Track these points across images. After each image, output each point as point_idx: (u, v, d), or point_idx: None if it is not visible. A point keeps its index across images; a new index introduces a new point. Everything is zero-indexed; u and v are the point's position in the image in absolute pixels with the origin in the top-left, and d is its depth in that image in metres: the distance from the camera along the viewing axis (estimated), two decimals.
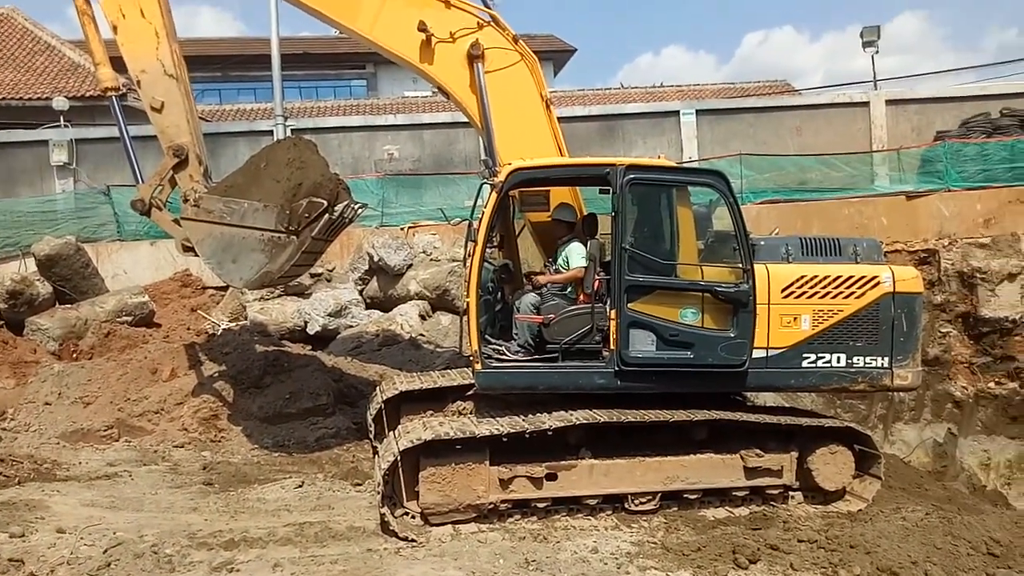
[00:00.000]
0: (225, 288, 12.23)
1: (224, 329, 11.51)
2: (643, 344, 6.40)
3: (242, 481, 7.21)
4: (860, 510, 6.33)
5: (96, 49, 7.95)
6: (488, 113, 7.68)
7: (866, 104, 16.75)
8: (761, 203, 14.54)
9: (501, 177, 6.59)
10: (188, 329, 11.64)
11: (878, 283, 6.65)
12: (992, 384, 12.32)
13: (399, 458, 5.72)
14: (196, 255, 7.47)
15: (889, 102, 16.76)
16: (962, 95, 16.98)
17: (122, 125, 7.99)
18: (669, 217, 6.77)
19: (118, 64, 7.78)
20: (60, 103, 16.52)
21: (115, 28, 7.51)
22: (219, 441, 8.50)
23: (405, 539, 5.57)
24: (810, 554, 5.13)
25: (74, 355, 10.73)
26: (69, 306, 11.60)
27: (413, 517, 5.89)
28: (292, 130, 15.66)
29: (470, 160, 15.67)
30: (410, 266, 12.62)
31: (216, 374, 9.39)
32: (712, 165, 14.99)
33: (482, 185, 7.33)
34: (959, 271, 12.70)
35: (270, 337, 11.32)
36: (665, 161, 7.26)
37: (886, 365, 6.61)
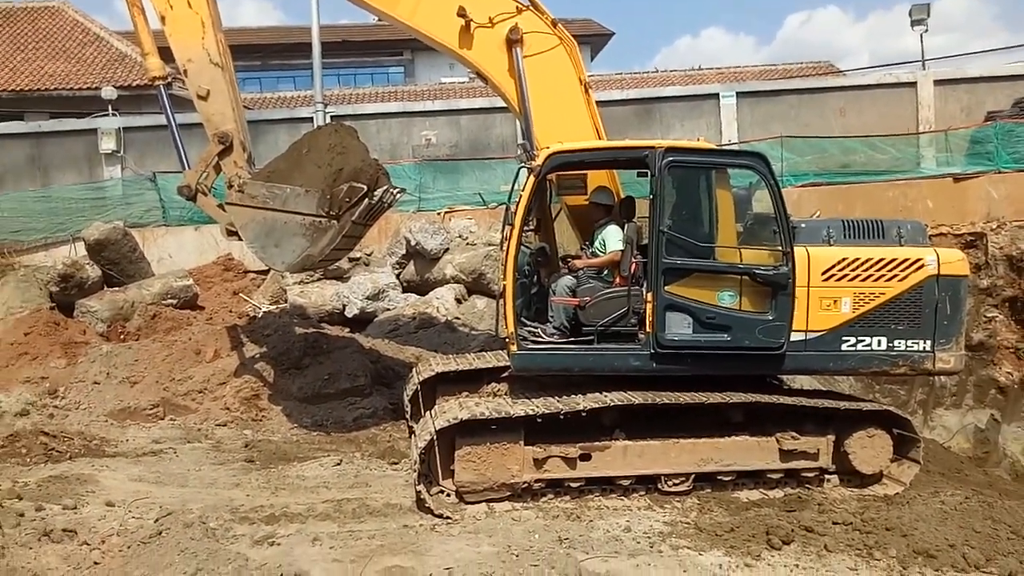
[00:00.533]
0: (266, 272, 12.49)
1: (265, 312, 11.76)
2: (679, 327, 6.40)
3: (282, 459, 7.41)
4: (897, 493, 6.25)
5: (145, 39, 8.16)
6: (526, 97, 7.69)
7: (913, 84, 16.26)
8: (802, 186, 14.28)
9: (539, 161, 6.62)
10: (230, 312, 11.92)
11: (922, 266, 6.53)
12: None
13: (435, 437, 5.82)
14: (240, 239, 7.65)
15: (938, 82, 16.25)
16: (1015, 74, 16.39)
17: (169, 113, 8.20)
18: (708, 200, 6.73)
19: (165, 54, 7.98)
20: (109, 92, 16.95)
21: (163, 19, 7.70)
22: (260, 420, 8.73)
23: (440, 516, 5.69)
24: (845, 536, 5.10)
25: (122, 336, 11.07)
26: (117, 289, 11.96)
27: (448, 495, 6.00)
28: (331, 117, 15.83)
29: (507, 145, 15.66)
30: (447, 250, 12.72)
31: (257, 355, 9.63)
32: (752, 148, 14.77)
33: (520, 169, 7.36)
34: (1008, 255, 12.35)
35: (309, 319, 11.54)
36: (704, 143, 7.19)
37: (928, 349, 6.50)
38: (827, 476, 6.53)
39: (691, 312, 6.39)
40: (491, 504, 5.95)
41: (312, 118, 15.73)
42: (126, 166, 15.47)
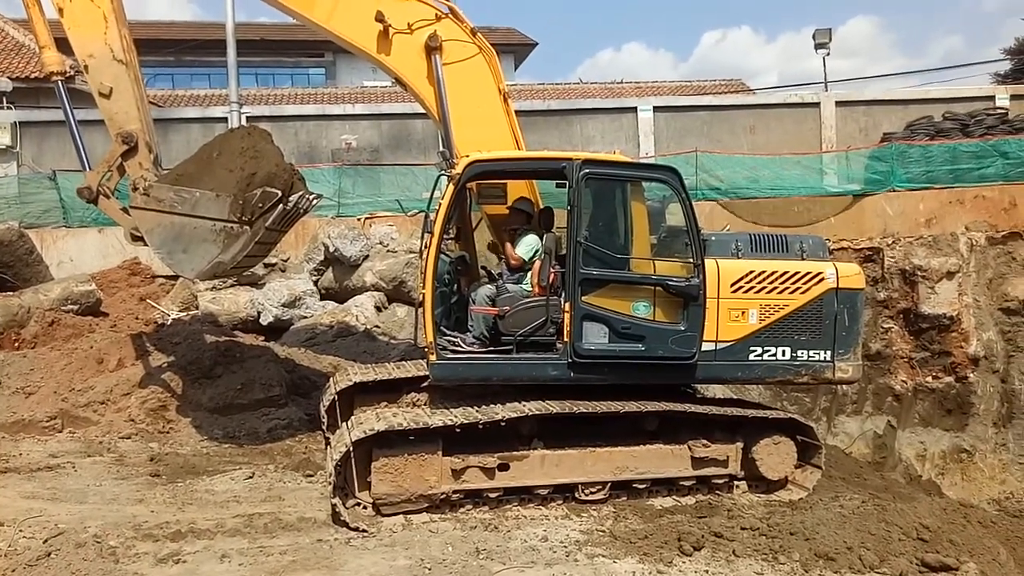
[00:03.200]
0: (176, 277, 11.99)
1: (174, 319, 11.29)
2: (596, 336, 6.50)
3: (190, 472, 7.12)
4: (801, 499, 6.53)
5: (40, 31, 7.69)
6: (445, 105, 7.68)
7: (816, 105, 17.19)
8: (715, 200, 14.82)
9: (458, 169, 6.61)
10: (137, 319, 11.37)
11: (822, 279, 6.86)
12: (929, 378, 12.80)
13: (352, 448, 5.72)
14: (145, 245, 7.31)
15: (839, 103, 17.22)
16: (907, 98, 17.55)
17: (68, 110, 7.75)
18: (623, 212, 6.87)
19: (64, 46, 7.55)
20: (3, 84, 15.96)
21: (61, 11, 7.27)
22: (167, 432, 8.36)
23: (356, 529, 5.58)
24: (752, 541, 5.30)
25: (16, 344, 10.40)
26: (11, 293, 11.24)
27: (364, 508, 5.90)
28: (248, 117, 15.38)
29: (428, 151, 15.62)
30: (366, 257, 12.55)
31: (165, 364, 9.22)
32: (669, 161, 15.23)
33: (439, 177, 7.33)
34: (901, 269, 13.15)
35: (222, 327, 11.14)
36: (620, 156, 7.35)
37: (828, 359, 6.83)
38: (736, 482, 6.77)
39: (607, 322, 6.51)
40: (408, 516, 5.87)
41: (227, 118, 15.25)
42: (22, 162, 14.58)
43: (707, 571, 4.85)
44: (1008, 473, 12.29)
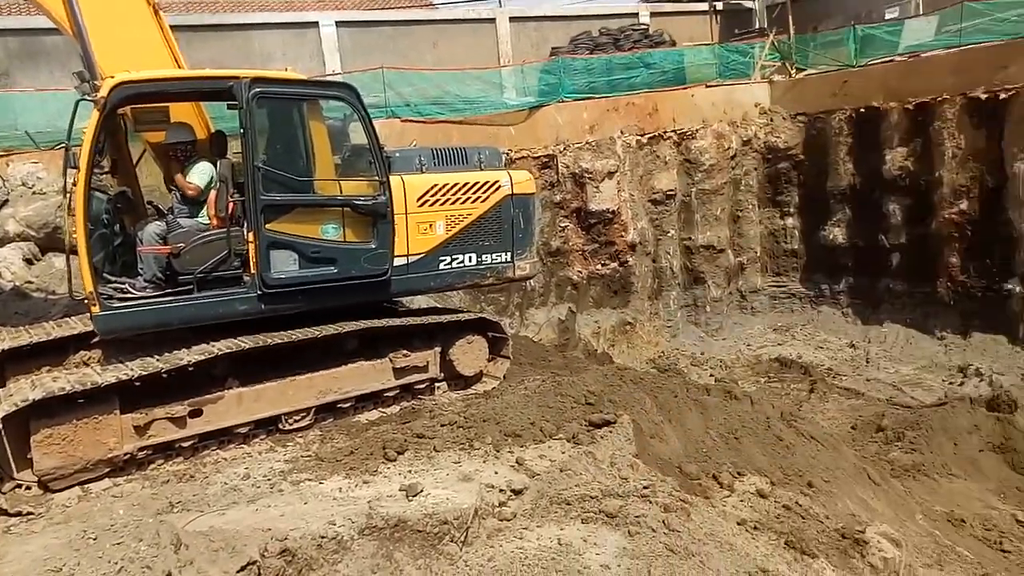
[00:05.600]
0: None
1: None
2: (285, 264, 6.30)
3: None
4: (494, 388, 7.18)
5: None
6: (79, 16, 6.57)
7: (493, 21, 17.92)
8: (405, 118, 14.93)
9: (103, 93, 5.76)
10: None
11: (499, 187, 7.35)
12: (599, 266, 14.69)
13: (1, 426, 4.94)
14: None
15: (512, 19, 18.15)
16: (569, 15, 19.07)
17: None
18: (302, 132, 6.59)
19: None
20: None
21: None
22: None
23: (18, 514, 4.90)
24: (451, 435, 5.72)
25: None
26: None
27: (28, 488, 5.18)
28: None
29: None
30: (6, 202, 10.59)
31: None
32: (356, 79, 14.90)
33: (78, 102, 6.35)
34: (572, 172, 14.63)
35: None
36: (293, 74, 7.00)
37: (509, 259, 7.43)
38: (437, 384, 7.20)
39: (296, 248, 6.32)
40: (86, 486, 5.30)
41: None
42: None
43: (411, 471, 5.14)
44: (660, 336, 14.79)
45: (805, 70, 16.79)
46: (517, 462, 5.31)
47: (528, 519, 4.72)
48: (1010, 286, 12.61)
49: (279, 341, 6.10)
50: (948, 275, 13.52)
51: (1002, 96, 12.39)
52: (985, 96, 12.62)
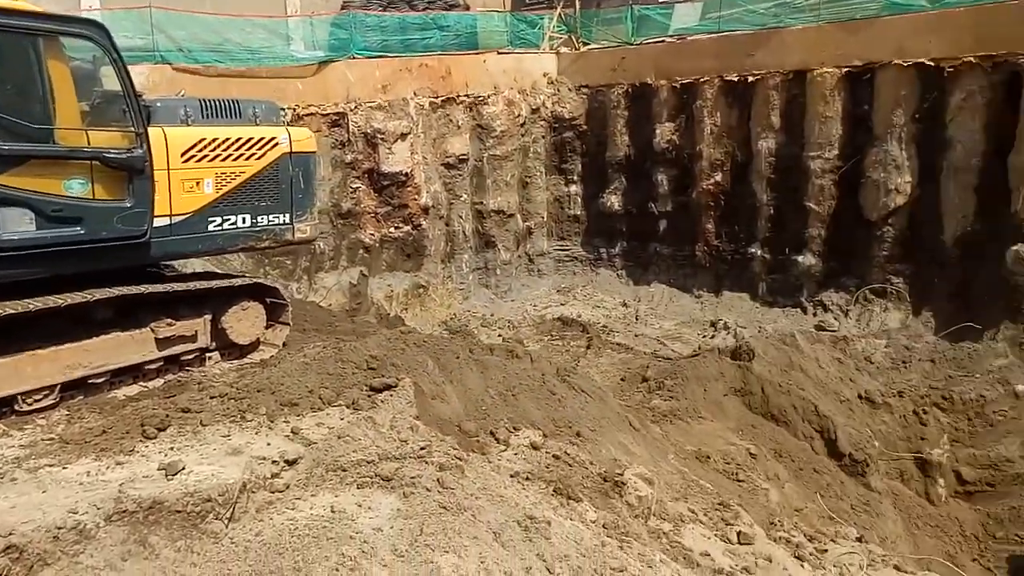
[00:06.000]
0: None
1: None
2: (19, 224, 5.54)
3: None
4: (272, 356, 6.90)
5: None
6: None
7: None
8: (178, 65, 13.60)
9: None
10: None
11: (276, 144, 6.98)
12: (392, 229, 14.60)
13: None
14: None
15: None
16: None
17: None
18: (38, 74, 5.76)
19: None
20: None
21: None
22: None
23: None
24: (220, 407, 5.41)
25: None
26: None
27: None
28: None
29: None
30: None
31: None
32: (118, 18, 13.30)
33: None
34: (364, 132, 14.29)
35: None
36: (24, 5, 6.05)
37: (288, 221, 7.11)
38: (208, 355, 6.76)
39: (33, 206, 5.57)
40: None
41: None
42: None
43: (172, 448, 4.80)
44: (453, 299, 15.10)
45: (589, 44, 17.67)
46: (292, 432, 5.15)
47: (302, 489, 4.62)
48: (753, 250, 14.40)
49: (11, 312, 5.35)
50: (705, 240, 15.13)
51: (750, 80, 13.93)
52: (737, 79, 14.11)
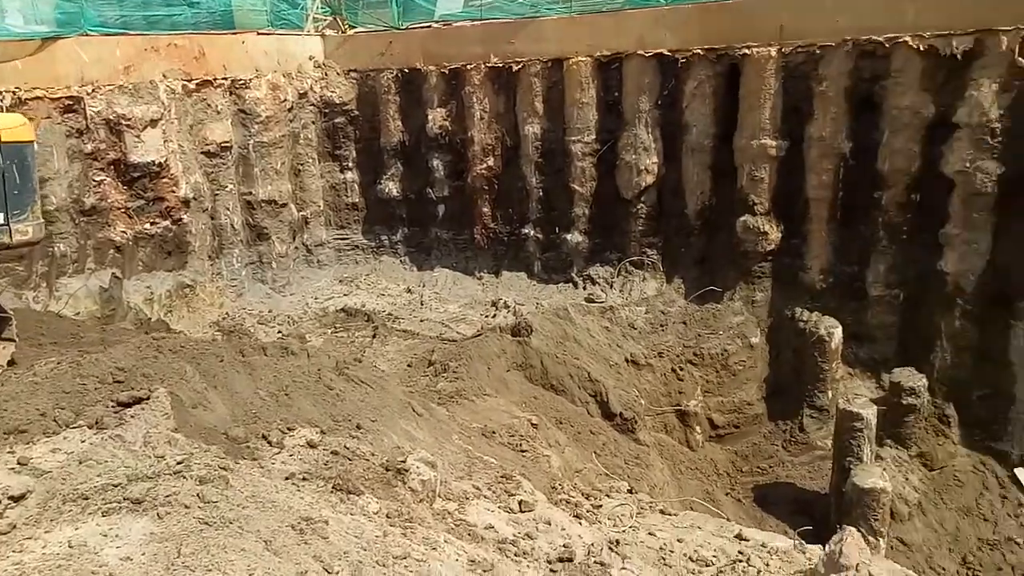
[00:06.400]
0: None
1: None
2: None
3: None
4: None
5: None
6: None
7: None
8: None
9: None
10: None
11: None
12: (148, 225, 13.27)
13: None
14: None
15: None
16: None
17: None
18: None
19: None
20: None
21: None
22: None
23: None
24: None
25: None
26: None
27: None
28: None
29: None
30: None
31: None
32: None
33: None
34: (106, 118, 12.79)
35: None
36: None
37: (3, 222, 6.19)
38: None
39: None
40: None
41: None
42: None
43: None
44: (224, 297, 14.12)
45: (356, 28, 17.26)
46: (19, 463, 4.51)
47: (33, 527, 4.06)
48: (526, 231, 15.06)
49: None
50: (482, 223, 15.55)
51: (514, 68, 14.46)
52: (502, 66, 14.57)
